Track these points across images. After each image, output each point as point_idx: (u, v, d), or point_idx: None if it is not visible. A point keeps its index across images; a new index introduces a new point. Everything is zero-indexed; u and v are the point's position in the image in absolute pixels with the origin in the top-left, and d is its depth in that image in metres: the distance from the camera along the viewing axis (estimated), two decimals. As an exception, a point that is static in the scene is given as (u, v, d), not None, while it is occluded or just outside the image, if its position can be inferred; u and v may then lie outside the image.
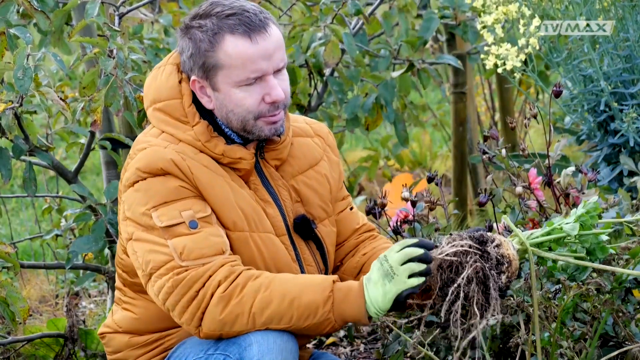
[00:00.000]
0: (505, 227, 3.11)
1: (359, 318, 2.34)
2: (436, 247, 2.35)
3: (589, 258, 2.45)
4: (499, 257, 2.31)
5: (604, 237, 2.44)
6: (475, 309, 2.28)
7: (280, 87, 2.44)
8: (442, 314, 2.30)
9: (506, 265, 2.31)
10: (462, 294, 2.28)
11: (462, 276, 2.28)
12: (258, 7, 2.45)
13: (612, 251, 2.51)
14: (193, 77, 2.46)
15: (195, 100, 2.49)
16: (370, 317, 2.35)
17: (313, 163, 2.62)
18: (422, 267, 2.29)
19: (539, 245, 2.42)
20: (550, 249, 2.45)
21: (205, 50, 2.42)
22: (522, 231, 2.44)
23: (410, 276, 2.29)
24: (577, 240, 2.44)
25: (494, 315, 2.28)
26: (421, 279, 2.29)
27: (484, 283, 2.29)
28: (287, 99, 2.47)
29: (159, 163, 2.41)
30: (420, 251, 2.30)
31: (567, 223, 2.42)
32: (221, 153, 2.46)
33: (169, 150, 2.43)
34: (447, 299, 2.29)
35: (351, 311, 2.33)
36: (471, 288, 2.28)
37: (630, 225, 2.65)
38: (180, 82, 2.48)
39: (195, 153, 2.45)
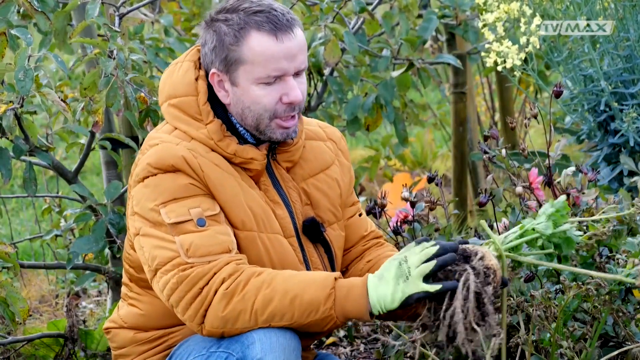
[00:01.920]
0: (505, 226, 3.11)
1: (361, 315, 2.33)
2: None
3: (557, 253, 2.44)
4: (485, 270, 2.30)
5: (577, 233, 2.43)
6: (475, 326, 2.27)
7: (298, 89, 2.45)
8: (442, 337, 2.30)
9: (492, 276, 2.30)
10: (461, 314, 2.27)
11: (456, 297, 2.27)
12: (285, 7, 2.46)
13: (580, 240, 2.49)
14: (213, 70, 2.47)
15: (210, 99, 2.50)
16: (372, 314, 2.34)
17: (324, 167, 2.63)
18: (431, 266, 2.28)
19: (514, 248, 2.41)
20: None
21: (229, 43, 2.43)
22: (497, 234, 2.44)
23: (424, 280, 2.28)
24: (546, 237, 2.43)
25: (495, 332, 2.28)
26: (436, 286, 2.27)
27: (478, 299, 2.29)
28: (303, 102, 2.48)
29: (170, 160, 2.41)
30: (439, 260, 2.28)
31: (538, 223, 2.41)
32: (233, 153, 2.47)
33: (180, 147, 2.43)
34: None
35: (353, 308, 2.33)
36: (468, 307, 2.28)
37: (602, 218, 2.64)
38: (196, 79, 2.49)
39: (206, 151, 2.46)
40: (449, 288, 2.28)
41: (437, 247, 2.30)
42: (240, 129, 2.50)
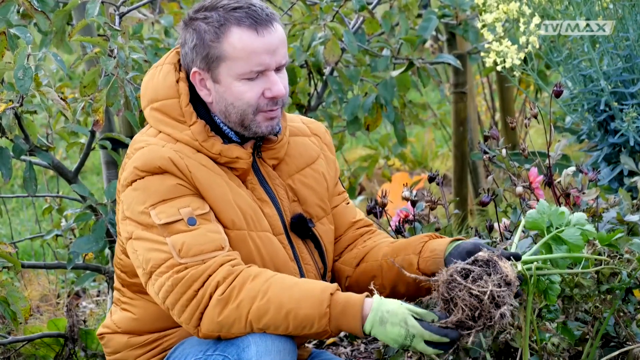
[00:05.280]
0: (505, 226, 3.11)
1: (355, 332, 2.33)
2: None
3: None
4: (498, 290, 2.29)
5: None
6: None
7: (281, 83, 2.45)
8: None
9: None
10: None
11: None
12: (263, 3, 2.46)
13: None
14: (194, 69, 2.46)
15: (192, 100, 2.50)
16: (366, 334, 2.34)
17: (310, 162, 2.63)
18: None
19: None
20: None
21: (210, 41, 2.43)
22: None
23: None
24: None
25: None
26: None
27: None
28: (286, 96, 2.48)
29: (156, 161, 2.41)
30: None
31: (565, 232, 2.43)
32: (218, 153, 2.47)
33: (166, 149, 2.43)
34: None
35: (347, 326, 2.32)
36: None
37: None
38: (177, 81, 2.49)
39: (192, 153, 2.45)
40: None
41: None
42: (224, 128, 2.50)
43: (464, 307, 2.26)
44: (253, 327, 2.33)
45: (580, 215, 2.43)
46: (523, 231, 2.56)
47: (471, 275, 2.27)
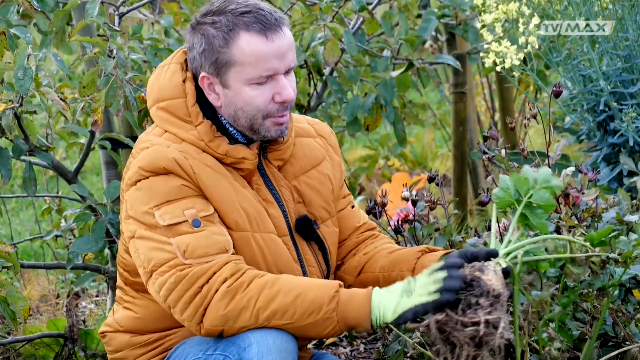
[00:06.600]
0: (505, 226, 3.11)
1: (361, 321, 2.31)
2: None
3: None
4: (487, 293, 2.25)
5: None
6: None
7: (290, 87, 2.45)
8: None
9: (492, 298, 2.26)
10: None
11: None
12: (272, 7, 2.46)
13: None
14: (203, 74, 2.46)
15: (199, 100, 2.50)
16: (372, 325, 2.33)
17: (315, 163, 2.63)
18: (439, 284, 2.25)
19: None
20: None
21: (218, 46, 2.42)
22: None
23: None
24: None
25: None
26: (434, 296, 2.24)
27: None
28: (294, 100, 2.49)
29: (161, 162, 2.41)
30: (443, 274, 2.25)
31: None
32: (224, 153, 2.47)
33: (171, 149, 2.43)
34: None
35: (354, 313, 2.31)
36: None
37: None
38: (184, 81, 2.48)
39: (198, 153, 2.45)
40: (443, 302, 2.24)
41: (445, 272, 2.27)
42: (231, 129, 2.50)
43: (463, 342, 2.23)
44: (259, 316, 2.32)
45: (545, 171, 2.39)
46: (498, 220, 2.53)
47: (460, 306, 2.24)
